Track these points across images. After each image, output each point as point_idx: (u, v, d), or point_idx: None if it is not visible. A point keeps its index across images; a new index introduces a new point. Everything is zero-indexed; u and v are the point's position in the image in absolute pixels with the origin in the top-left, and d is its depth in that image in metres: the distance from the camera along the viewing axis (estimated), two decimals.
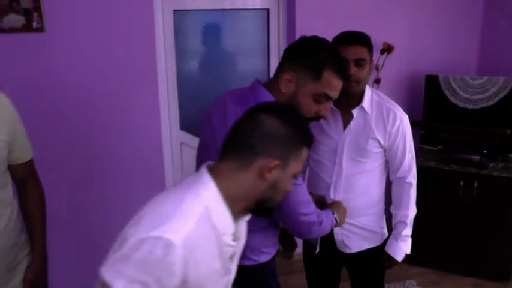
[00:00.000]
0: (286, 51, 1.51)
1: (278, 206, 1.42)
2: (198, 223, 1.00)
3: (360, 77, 1.78)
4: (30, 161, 1.67)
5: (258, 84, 1.51)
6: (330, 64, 1.42)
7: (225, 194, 1.07)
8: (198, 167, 1.66)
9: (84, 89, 2.69)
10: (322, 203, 1.81)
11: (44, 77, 2.60)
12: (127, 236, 0.98)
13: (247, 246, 1.48)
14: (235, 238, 1.15)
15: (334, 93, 1.47)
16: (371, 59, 1.83)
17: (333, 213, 1.67)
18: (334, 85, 1.45)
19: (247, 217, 1.21)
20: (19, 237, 1.63)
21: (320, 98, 1.45)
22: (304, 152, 1.14)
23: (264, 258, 1.58)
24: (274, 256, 1.65)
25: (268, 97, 1.45)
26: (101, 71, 2.71)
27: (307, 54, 1.44)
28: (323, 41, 1.48)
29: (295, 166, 1.13)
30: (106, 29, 2.66)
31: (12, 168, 1.60)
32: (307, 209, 1.49)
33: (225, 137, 1.14)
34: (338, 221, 1.70)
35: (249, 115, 1.14)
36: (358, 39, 1.79)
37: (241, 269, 1.28)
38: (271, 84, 1.50)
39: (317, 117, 1.51)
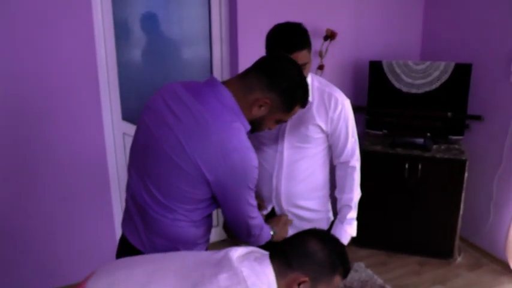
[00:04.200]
0: (263, 67, 1.47)
1: (226, 207, 1.48)
2: None
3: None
4: None
5: (218, 82, 1.46)
6: (301, 100, 1.53)
7: None
8: (135, 161, 1.58)
9: (17, 80, 2.54)
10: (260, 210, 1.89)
11: None
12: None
13: (180, 242, 1.51)
14: None
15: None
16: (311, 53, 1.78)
17: (271, 228, 1.74)
18: (296, 112, 1.57)
19: None
20: None
21: (281, 121, 1.56)
22: (337, 279, 1.25)
23: (199, 248, 1.59)
24: (207, 245, 1.67)
25: (230, 100, 1.42)
26: (36, 62, 2.55)
27: (287, 90, 1.46)
28: (300, 71, 1.51)
29: None
30: (42, 17, 2.51)
31: None
32: (254, 213, 1.55)
33: (279, 245, 1.28)
34: (275, 234, 1.75)
35: (300, 234, 1.29)
36: (299, 43, 1.71)
37: None
38: (233, 87, 1.45)
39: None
